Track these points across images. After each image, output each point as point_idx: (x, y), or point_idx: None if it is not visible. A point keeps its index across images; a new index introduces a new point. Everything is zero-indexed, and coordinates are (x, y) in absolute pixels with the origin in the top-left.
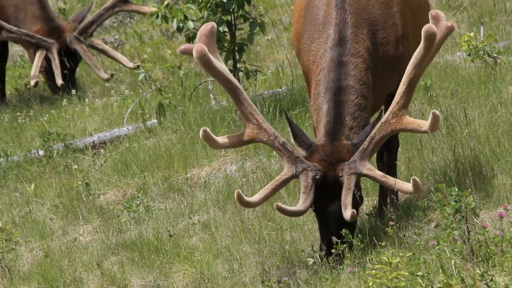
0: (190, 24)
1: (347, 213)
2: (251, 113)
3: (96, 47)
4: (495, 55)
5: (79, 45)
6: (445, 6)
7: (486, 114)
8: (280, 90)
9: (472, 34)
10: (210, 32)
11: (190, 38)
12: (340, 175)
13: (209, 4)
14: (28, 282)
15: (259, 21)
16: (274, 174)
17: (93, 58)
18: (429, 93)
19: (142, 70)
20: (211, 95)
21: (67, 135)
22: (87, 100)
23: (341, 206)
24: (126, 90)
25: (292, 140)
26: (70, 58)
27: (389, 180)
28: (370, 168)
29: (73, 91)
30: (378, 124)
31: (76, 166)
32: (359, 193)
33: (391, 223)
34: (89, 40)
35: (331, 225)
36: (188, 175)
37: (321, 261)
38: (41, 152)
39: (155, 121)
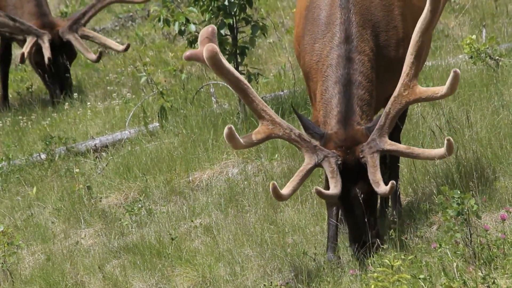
0: (192, 27)
1: (382, 188)
2: (263, 109)
3: (87, 35)
4: (497, 57)
5: (71, 34)
6: (448, 8)
7: (488, 116)
8: (282, 93)
9: (474, 36)
10: (212, 34)
11: (192, 42)
12: (362, 156)
13: (211, 7)
14: (30, 286)
15: (261, 24)
16: (276, 177)
17: (83, 43)
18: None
19: (144, 74)
20: (213, 98)
21: (69, 138)
22: (89, 103)
23: (364, 188)
24: (128, 94)
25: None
26: (64, 52)
27: (415, 150)
28: (391, 143)
29: (75, 95)
30: (391, 99)
31: (78, 170)
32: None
33: (393, 226)
34: (81, 30)
35: (356, 209)
36: (190, 178)
37: (355, 253)
38: (43, 156)
39: (157, 124)
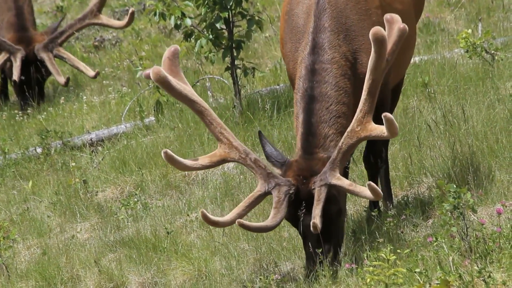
0: (188, 21)
1: (313, 224)
2: (221, 132)
3: (62, 56)
4: (492, 51)
5: (46, 53)
6: (443, 2)
7: (484, 110)
8: (278, 87)
9: (470, 30)
10: (173, 55)
11: (188, 35)
12: (313, 188)
13: (206, 1)
14: (26, 280)
15: (256, 18)
16: None
17: (55, 64)
18: (427, 90)
19: (140, 68)
20: (208, 92)
21: (65, 132)
22: (84, 97)
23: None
24: (124, 88)
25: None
26: (37, 70)
27: (357, 188)
28: (339, 177)
29: (71, 88)
30: (345, 134)
31: (73, 164)
32: (337, 206)
33: (389, 219)
34: (56, 49)
35: (310, 239)
36: (186, 172)
37: (308, 277)
38: (39, 150)
39: (153, 118)
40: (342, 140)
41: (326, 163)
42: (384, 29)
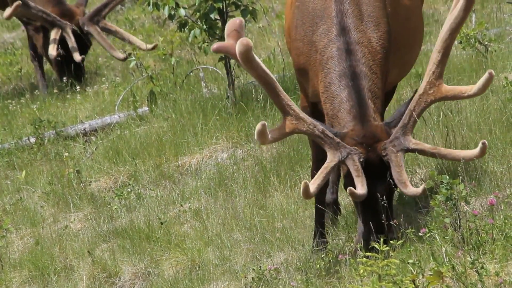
0: (182, 12)
1: (410, 189)
2: (287, 104)
3: (109, 29)
4: (486, 42)
5: (93, 27)
6: None
7: (478, 101)
8: None
9: None
10: (240, 27)
11: (182, 26)
12: (384, 154)
13: None
14: (19, 270)
15: (250, 8)
16: (265, 162)
17: (107, 39)
18: (421, 81)
19: (134, 58)
20: (202, 82)
21: (58, 122)
22: (78, 87)
23: (384, 187)
24: (118, 78)
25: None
26: (80, 43)
27: (442, 151)
28: (416, 142)
29: (64, 79)
30: (416, 97)
31: (67, 154)
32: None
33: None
34: (102, 22)
35: (376, 207)
36: (179, 162)
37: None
38: (32, 140)
39: (147, 108)
40: (412, 104)
41: (384, 130)
42: (387, 27)
